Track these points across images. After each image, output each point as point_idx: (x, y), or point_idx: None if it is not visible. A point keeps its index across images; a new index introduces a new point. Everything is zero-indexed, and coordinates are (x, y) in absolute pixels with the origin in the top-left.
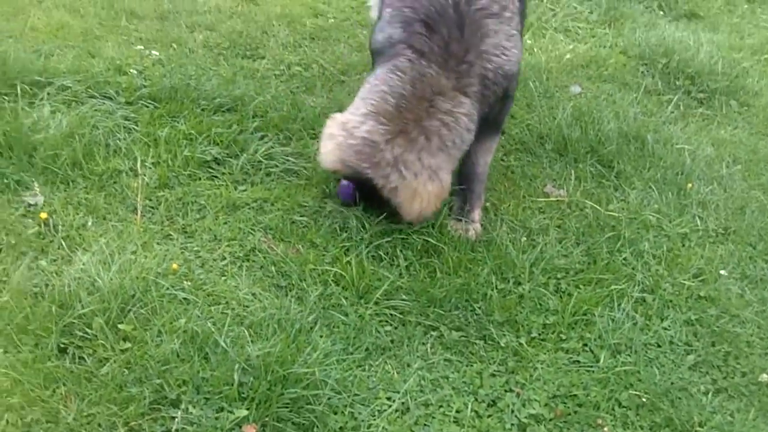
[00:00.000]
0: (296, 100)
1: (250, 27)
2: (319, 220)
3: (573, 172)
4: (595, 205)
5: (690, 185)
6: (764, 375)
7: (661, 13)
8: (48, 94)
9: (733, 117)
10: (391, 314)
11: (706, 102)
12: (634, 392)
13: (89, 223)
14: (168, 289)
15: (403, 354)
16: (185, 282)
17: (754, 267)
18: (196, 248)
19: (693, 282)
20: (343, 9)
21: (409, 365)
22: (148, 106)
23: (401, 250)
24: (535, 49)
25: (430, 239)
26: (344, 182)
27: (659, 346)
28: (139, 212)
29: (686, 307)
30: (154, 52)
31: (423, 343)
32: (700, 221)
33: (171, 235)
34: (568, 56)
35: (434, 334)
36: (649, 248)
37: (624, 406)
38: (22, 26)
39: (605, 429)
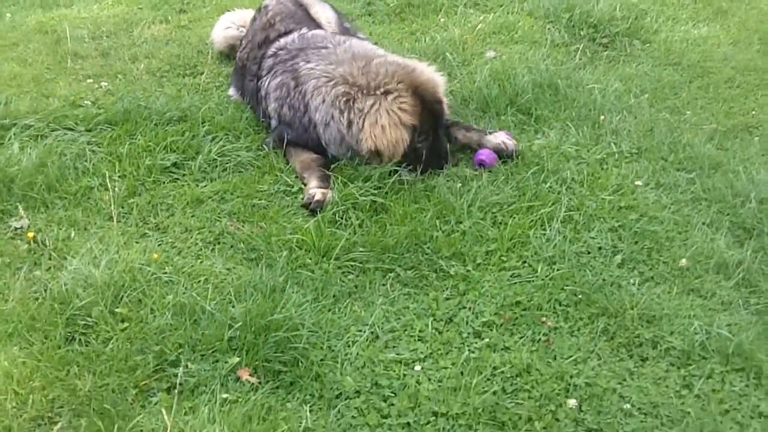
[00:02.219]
0: (238, 103)
1: (186, 49)
2: (274, 201)
3: (497, 124)
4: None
5: (602, 117)
6: (683, 260)
7: None
8: (14, 134)
9: (637, 54)
10: (351, 265)
11: (610, 45)
12: (571, 292)
13: (72, 235)
14: (153, 274)
15: (366, 295)
16: (167, 268)
17: (666, 176)
18: (170, 240)
19: (613, 196)
20: None
21: (373, 303)
22: (106, 130)
23: (352, 212)
24: (449, 25)
25: (376, 199)
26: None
27: (589, 252)
28: (114, 219)
29: (609, 218)
30: (103, 83)
31: (383, 284)
32: (615, 146)
33: (147, 233)
34: (480, 26)
35: (392, 275)
36: (571, 175)
37: (563, 305)
38: None
39: (548, 323)
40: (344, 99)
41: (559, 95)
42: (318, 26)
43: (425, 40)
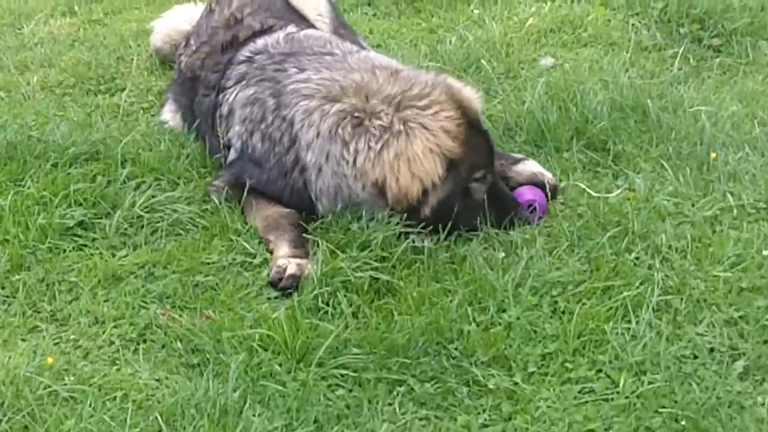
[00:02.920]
0: (176, 133)
1: (100, 54)
2: (227, 277)
3: (556, 164)
4: (590, 199)
5: (714, 155)
6: None
7: None
8: None
9: (763, 62)
10: (341, 375)
11: (725, 48)
12: (669, 416)
13: None
14: (46, 388)
15: (363, 420)
16: (67, 378)
17: None
18: (73, 337)
19: (731, 272)
20: None
21: (374, 431)
22: None
23: (343, 295)
24: (487, 20)
25: (379, 275)
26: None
27: (695, 356)
28: None
29: (726, 304)
30: None
31: (389, 403)
32: (732, 197)
33: (38, 326)
34: (531, 21)
35: (401, 389)
36: (668, 240)
37: None
38: None
39: None
40: (354, 121)
41: (648, 122)
42: (306, 22)
43: (450, 42)
